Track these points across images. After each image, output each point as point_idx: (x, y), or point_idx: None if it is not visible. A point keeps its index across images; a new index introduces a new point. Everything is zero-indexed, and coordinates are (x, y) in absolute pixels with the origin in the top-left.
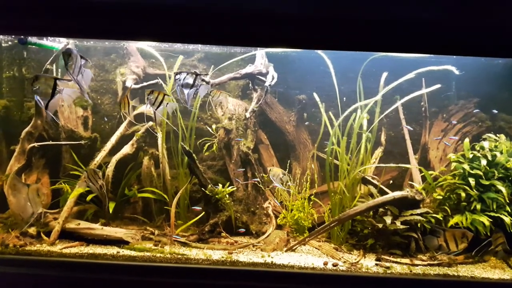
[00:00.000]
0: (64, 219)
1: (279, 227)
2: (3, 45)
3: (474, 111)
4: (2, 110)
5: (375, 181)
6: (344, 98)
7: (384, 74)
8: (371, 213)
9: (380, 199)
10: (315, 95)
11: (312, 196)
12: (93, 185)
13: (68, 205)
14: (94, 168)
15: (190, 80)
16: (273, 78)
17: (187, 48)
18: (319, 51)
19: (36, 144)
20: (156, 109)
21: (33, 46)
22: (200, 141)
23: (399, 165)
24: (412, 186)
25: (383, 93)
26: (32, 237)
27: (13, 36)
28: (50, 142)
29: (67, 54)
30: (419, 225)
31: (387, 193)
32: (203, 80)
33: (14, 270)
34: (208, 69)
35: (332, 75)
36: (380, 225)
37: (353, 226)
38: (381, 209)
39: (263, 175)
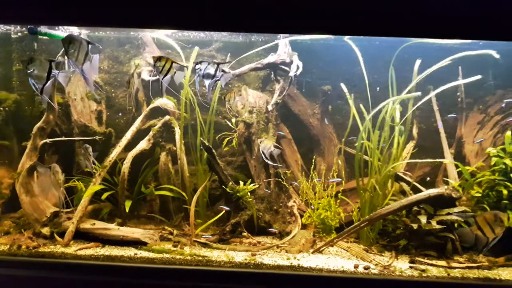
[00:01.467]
0: (79, 219)
1: (303, 226)
2: (12, 36)
3: None
4: (13, 104)
5: (407, 178)
6: (378, 88)
7: (418, 62)
8: (403, 212)
9: (414, 197)
10: (342, 85)
11: (340, 194)
12: (83, 162)
13: (82, 204)
14: (86, 144)
15: (211, 70)
16: (297, 68)
17: (204, 38)
18: (347, 38)
19: (48, 140)
20: (163, 78)
21: (44, 37)
22: (219, 135)
23: (437, 160)
24: (447, 183)
25: (416, 83)
26: (45, 238)
27: (23, 27)
28: (63, 138)
29: (67, 41)
30: (456, 225)
31: (420, 191)
32: (223, 70)
33: (26, 273)
34: (230, 60)
35: (360, 64)
36: (415, 226)
37: (384, 226)
38: (414, 208)
39: (286, 171)
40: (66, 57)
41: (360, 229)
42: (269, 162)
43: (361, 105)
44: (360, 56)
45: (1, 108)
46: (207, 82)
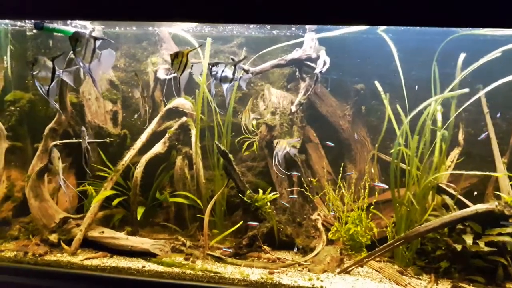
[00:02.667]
0: (87, 226)
1: (330, 242)
2: (27, 33)
3: None
4: (27, 104)
5: (451, 190)
6: (416, 87)
7: (462, 56)
8: (445, 230)
9: (459, 213)
10: (376, 84)
11: (372, 207)
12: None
13: (91, 211)
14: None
15: (229, 73)
16: (324, 64)
17: (224, 33)
18: (380, 31)
19: (58, 142)
20: (180, 75)
21: (59, 34)
22: (239, 138)
23: (487, 173)
24: (498, 197)
25: (460, 80)
26: (52, 245)
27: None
28: (74, 140)
29: (74, 38)
30: (508, 247)
31: (466, 206)
32: (243, 69)
33: (30, 281)
34: (249, 56)
35: (395, 60)
36: (459, 247)
37: (423, 244)
38: (459, 226)
39: (312, 179)
40: (75, 55)
41: (395, 247)
42: (280, 168)
43: (397, 106)
44: (395, 50)
45: (15, 108)
46: (224, 86)
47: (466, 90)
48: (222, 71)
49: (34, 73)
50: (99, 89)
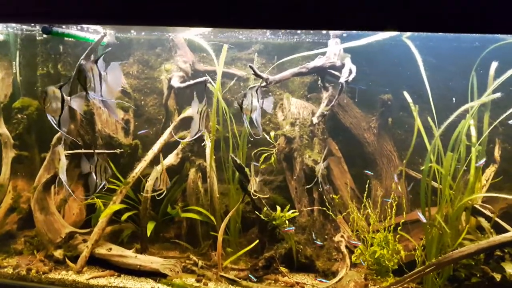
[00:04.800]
0: (94, 242)
1: (353, 265)
2: (37, 38)
3: None
4: (35, 112)
5: (487, 212)
6: (454, 99)
7: (494, 65)
8: (481, 256)
9: (498, 238)
10: (405, 94)
11: (399, 228)
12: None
13: (99, 226)
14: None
15: (255, 101)
16: (350, 73)
17: (242, 39)
18: (405, 38)
19: (66, 153)
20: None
21: (70, 39)
22: (256, 151)
23: None
24: None
25: (493, 89)
26: (57, 261)
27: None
28: (82, 151)
29: (82, 77)
30: None
31: (504, 229)
32: (257, 75)
33: None
34: (268, 64)
35: (420, 69)
36: (498, 276)
37: (455, 270)
38: (497, 252)
39: (334, 196)
40: (85, 91)
41: (425, 274)
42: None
43: (429, 119)
44: (420, 59)
45: (22, 116)
46: (254, 115)
47: (498, 94)
48: (251, 102)
49: (46, 106)
50: (117, 116)
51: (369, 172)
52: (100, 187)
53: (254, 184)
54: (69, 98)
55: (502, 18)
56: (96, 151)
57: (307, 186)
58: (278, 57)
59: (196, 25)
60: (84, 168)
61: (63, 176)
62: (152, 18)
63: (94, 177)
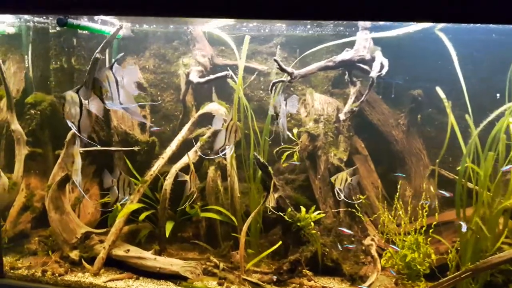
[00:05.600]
0: (111, 243)
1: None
2: (50, 31)
3: None
4: (48, 107)
5: None
6: (498, 95)
7: None
8: None
9: None
10: (438, 90)
11: (431, 231)
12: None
13: (116, 226)
14: None
15: (283, 105)
16: (382, 67)
17: (263, 32)
18: (437, 30)
19: (81, 150)
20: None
21: (84, 32)
22: (278, 149)
23: None
24: None
25: None
26: (73, 263)
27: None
28: (98, 148)
29: (97, 88)
30: None
31: None
32: (282, 69)
33: None
34: (290, 57)
35: (454, 63)
36: None
37: (492, 275)
38: None
39: (360, 196)
40: (102, 101)
41: (462, 279)
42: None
43: (467, 117)
44: (454, 53)
45: (35, 111)
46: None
47: None
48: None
49: (66, 113)
50: (142, 118)
51: (401, 175)
52: (122, 201)
53: (272, 200)
54: (87, 102)
55: None
56: (112, 148)
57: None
58: (300, 50)
59: (216, 16)
60: (106, 182)
61: (77, 179)
62: (171, 9)
63: (116, 191)
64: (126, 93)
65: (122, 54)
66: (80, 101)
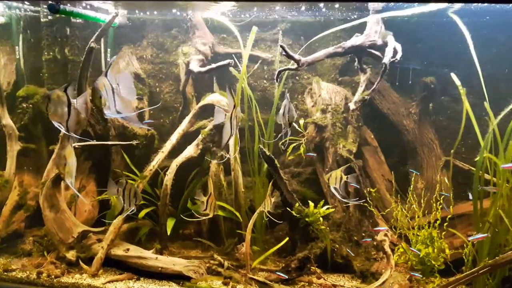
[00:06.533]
0: (110, 242)
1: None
2: (42, 20)
3: None
4: (41, 100)
5: None
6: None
7: None
8: None
9: None
10: (453, 76)
11: (445, 225)
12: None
13: (115, 224)
14: None
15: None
16: (395, 53)
17: (266, 18)
18: (451, 13)
19: (76, 145)
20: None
21: (78, 20)
22: (283, 141)
23: None
24: None
25: None
26: (70, 263)
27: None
28: (94, 142)
29: (95, 93)
30: None
31: None
32: (289, 56)
33: None
34: (294, 43)
35: (470, 48)
36: None
37: (510, 270)
38: None
39: (371, 189)
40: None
41: (480, 275)
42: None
43: (485, 104)
44: (469, 37)
45: (28, 105)
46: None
47: None
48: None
49: (50, 113)
50: (141, 125)
51: (415, 172)
52: (128, 213)
53: (268, 205)
54: (75, 101)
55: None
56: (109, 142)
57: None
58: (305, 37)
59: None
60: (111, 191)
61: (72, 180)
62: None
63: (122, 201)
64: (124, 101)
65: (115, 57)
66: (68, 100)
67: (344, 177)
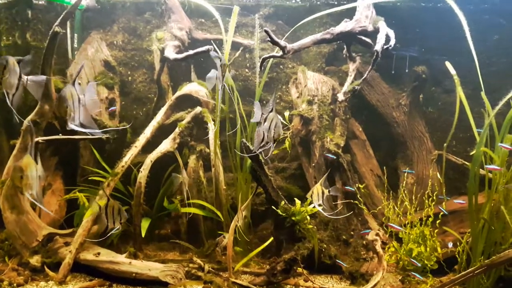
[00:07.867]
0: (79, 246)
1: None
2: (0, 2)
3: None
4: (1, 91)
5: None
6: None
7: None
8: None
9: None
10: (448, 65)
11: (438, 222)
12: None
13: (83, 226)
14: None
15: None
16: (388, 39)
17: (248, 2)
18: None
19: (40, 139)
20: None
21: (41, 1)
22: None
23: None
24: None
25: None
26: (34, 270)
27: None
28: (60, 136)
29: (61, 101)
30: None
31: None
32: (274, 42)
33: None
34: (278, 30)
35: (467, 36)
36: None
37: (506, 270)
38: None
39: (359, 185)
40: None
41: (476, 275)
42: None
43: (482, 94)
44: (466, 24)
45: None
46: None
47: None
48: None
49: (3, 78)
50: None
51: (410, 171)
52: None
53: (239, 219)
54: (26, 78)
55: None
56: (76, 137)
57: None
58: (289, 23)
59: None
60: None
61: (33, 192)
62: None
63: (105, 220)
64: (86, 112)
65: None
66: (20, 73)
67: (326, 191)
